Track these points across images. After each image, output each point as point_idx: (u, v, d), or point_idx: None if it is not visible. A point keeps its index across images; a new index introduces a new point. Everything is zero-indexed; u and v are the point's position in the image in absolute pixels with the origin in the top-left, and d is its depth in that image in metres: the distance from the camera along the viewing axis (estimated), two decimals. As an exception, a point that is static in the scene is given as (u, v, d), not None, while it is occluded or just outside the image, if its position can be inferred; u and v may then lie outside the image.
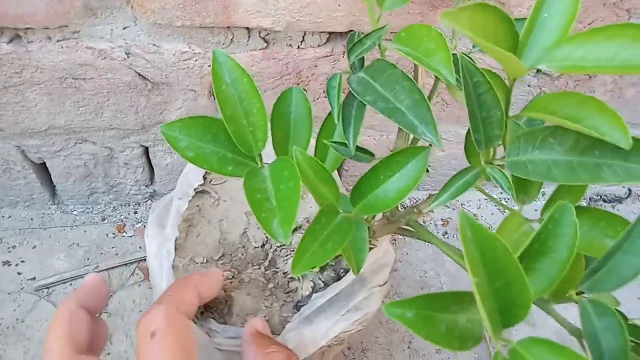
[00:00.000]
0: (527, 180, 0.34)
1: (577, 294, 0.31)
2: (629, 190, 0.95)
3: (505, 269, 0.24)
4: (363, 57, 0.37)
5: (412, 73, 0.38)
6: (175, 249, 0.51)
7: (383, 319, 0.72)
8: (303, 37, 0.56)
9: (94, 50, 0.53)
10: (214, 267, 0.48)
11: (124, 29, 0.53)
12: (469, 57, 0.29)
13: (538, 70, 0.67)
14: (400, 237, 0.80)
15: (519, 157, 0.31)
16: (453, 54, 0.30)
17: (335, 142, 0.36)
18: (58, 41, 0.52)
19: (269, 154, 0.37)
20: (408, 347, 0.69)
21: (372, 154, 0.36)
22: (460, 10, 0.26)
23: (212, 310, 0.46)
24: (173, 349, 0.29)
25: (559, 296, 0.33)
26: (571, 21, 0.28)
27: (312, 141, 0.40)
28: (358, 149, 0.36)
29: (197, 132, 0.36)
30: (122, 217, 0.77)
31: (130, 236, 0.75)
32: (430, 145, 0.34)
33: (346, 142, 0.35)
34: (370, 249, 0.48)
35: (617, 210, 0.93)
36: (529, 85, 0.68)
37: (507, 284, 0.25)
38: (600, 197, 0.95)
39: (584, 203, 0.94)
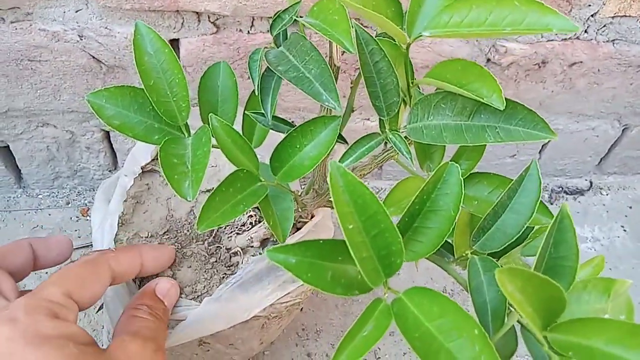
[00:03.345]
0: (430, 148, 0.36)
1: (472, 253, 0.33)
2: (590, 182, 0.97)
3: (377, 216, 0.26)
4: (286, 31, 0.39)
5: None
6: (122, 224, 0.52)
7: (339, 302, 0.74)
8: (252, 22, 0.58)
9: (47, 32, 0.55)
10: (165, 245, 0.49)
11: (76, 11, 0.55)
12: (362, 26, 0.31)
13: (488, 60, 0.69)
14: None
15: (417, 123, 0.33)
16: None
17: (255, 113, 0.38)
18: (12, 22, 0.54)
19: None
20: (361, 329, 0.70)
21: (291, 124, 0.38)
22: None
23: (153, 281, 0.48)
24: (64, 278, 0.32)
25: (458, 257, 0.34)
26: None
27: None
28: (276, 118, 0.38)
29: (123, 102, 0.37)
30: (86, 201, 0.78)
31: (94, 220, 0.76)
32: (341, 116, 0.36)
33: (264, 112, 0.37)
34: (304, 222, 0.49)
35: (579, 202, 0.95)
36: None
37: (381, 232, 0.26)
38: (562, 189, 0.96)
39: (545, 195, 0.96)
